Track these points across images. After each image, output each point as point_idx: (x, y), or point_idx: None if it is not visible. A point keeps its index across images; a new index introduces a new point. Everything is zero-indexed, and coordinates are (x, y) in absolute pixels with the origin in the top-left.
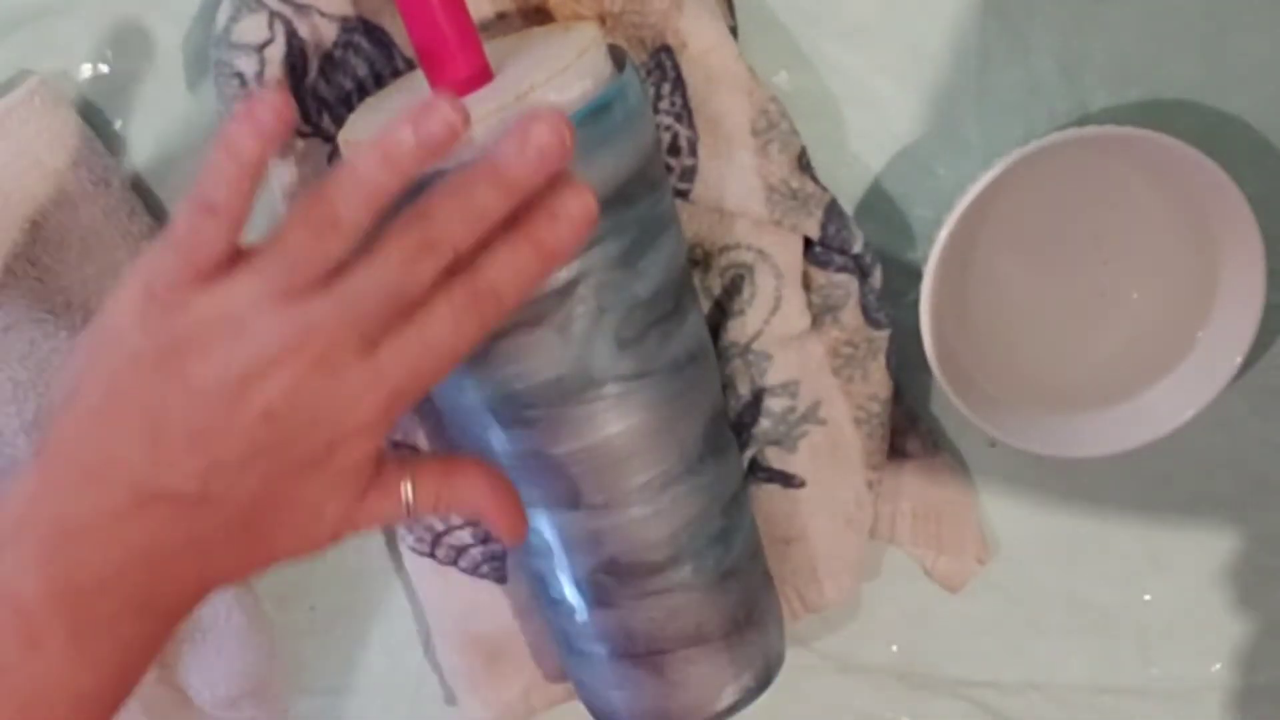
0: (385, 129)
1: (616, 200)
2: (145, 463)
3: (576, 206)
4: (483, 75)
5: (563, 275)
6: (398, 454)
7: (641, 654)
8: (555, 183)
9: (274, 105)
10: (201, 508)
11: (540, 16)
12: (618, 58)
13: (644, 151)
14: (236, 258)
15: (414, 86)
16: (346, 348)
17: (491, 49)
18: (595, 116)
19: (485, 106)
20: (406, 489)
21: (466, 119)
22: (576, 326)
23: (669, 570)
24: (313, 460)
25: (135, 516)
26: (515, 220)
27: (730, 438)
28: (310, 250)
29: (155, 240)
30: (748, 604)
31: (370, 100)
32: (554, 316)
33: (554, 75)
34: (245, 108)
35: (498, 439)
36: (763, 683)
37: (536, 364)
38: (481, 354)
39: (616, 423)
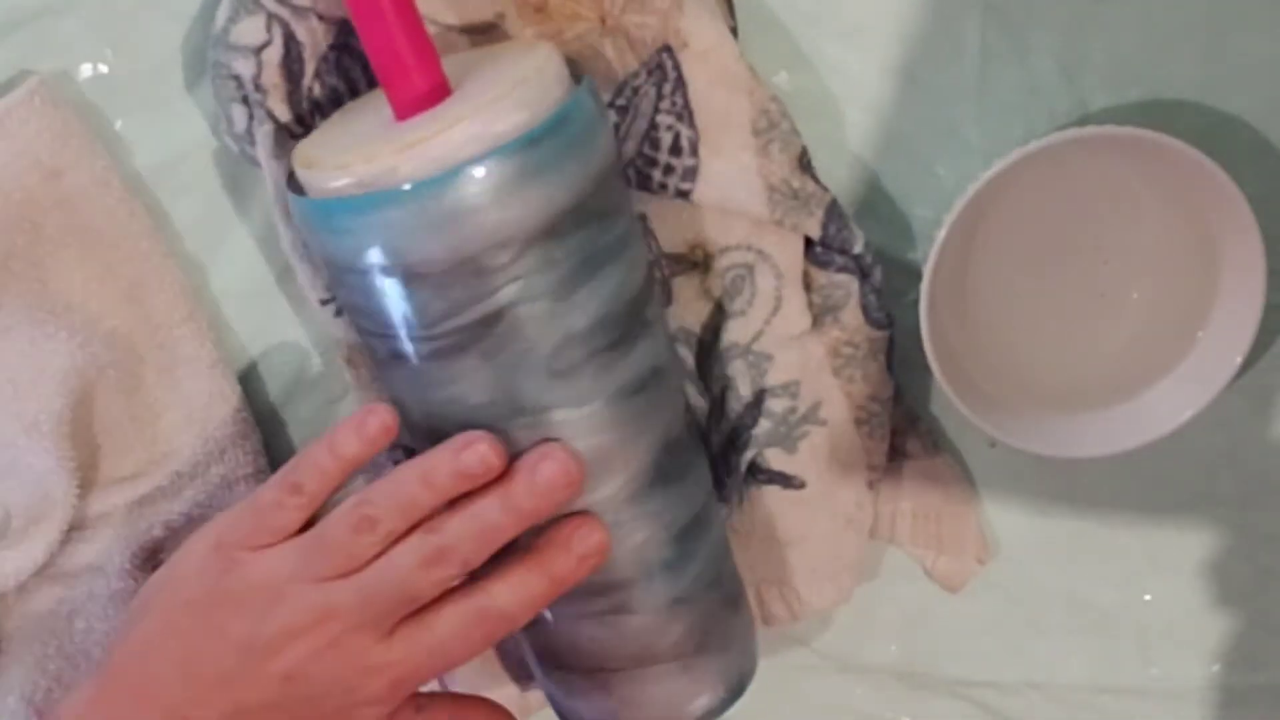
0: (428, 454)
1: (545, 235)
2: (180, 695)
3: (590, 543)
4: (440, 91)
5: (484, 307)
6: (411, 698)
7: (588, 670)
8: (573, 518)
9: (383, 421)
10: None
11: (540, 17)
12: (578, 74)
13: (584, 183)
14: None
15: (376, 103)
16: (361, 632)
17: (451, 65)
18: (529, 147)
19: (443, 121)
20: None
21: (502, 459)
22: (503, 355)
23: (611, 593)
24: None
25: None
26: (531, 548)
27: (691, 464)
28: (345, 545)
29: (242, 501)
30: (702, 630)
31: (335, 117)
32: (480, 344)
33: (499, 98)
34: (359, 418)
35: None
36: (722, 704)
37: (466, 388)
38: (416, 375)
39: None
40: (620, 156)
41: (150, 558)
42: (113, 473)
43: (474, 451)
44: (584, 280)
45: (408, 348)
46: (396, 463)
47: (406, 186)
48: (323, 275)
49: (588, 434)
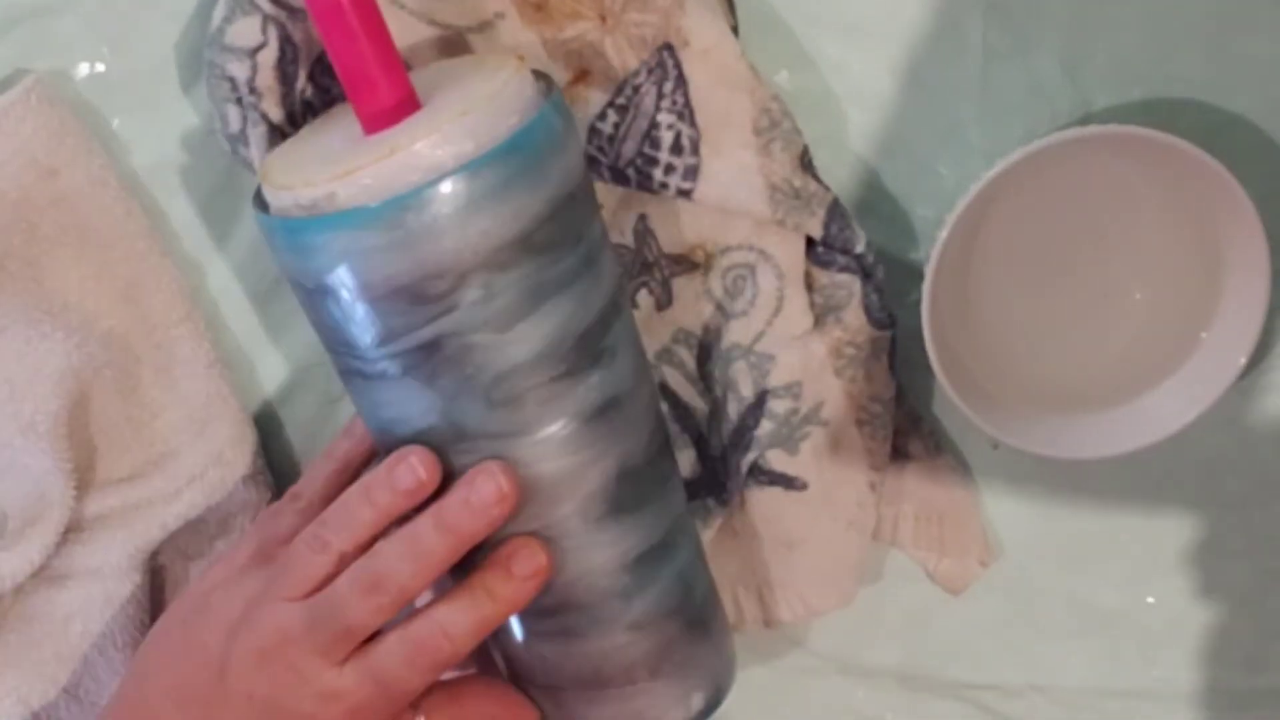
0: (371, 472)
1: (484, 266)
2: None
3: (530, 566)
4: (409, 104)
5: (423, 334)
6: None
7: (543, 686)
8: (513, 540)
9: (365, 427)
10: None
11: (540, 16)
12: (547, 88)
13: (530, 215)
14: None
15: (346, 117)
16: (315, 658)
17: (427, 76)
18: (468, 178)
19: (400, 141)
20: None
21: (434, 472)
22: (442, 382)
23: (561, 615)
24: None
25: None
26: (473, 569)
27: (651, 494)
28: (303, 565)
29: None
30: (658, 656)
31: (313, 124)
32: (420, 370)
33: (444, 124)
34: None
35: None
36: None
37: (409, 411)
38: (365, 393)
39: None
40: (587, 180)
41: (147, 559)
42: (110, 474)
43: (405, 465)
44: (526, 313)
45: (355, 366)
46: None
47: (340, 213)
48: None
49: (531, 462)
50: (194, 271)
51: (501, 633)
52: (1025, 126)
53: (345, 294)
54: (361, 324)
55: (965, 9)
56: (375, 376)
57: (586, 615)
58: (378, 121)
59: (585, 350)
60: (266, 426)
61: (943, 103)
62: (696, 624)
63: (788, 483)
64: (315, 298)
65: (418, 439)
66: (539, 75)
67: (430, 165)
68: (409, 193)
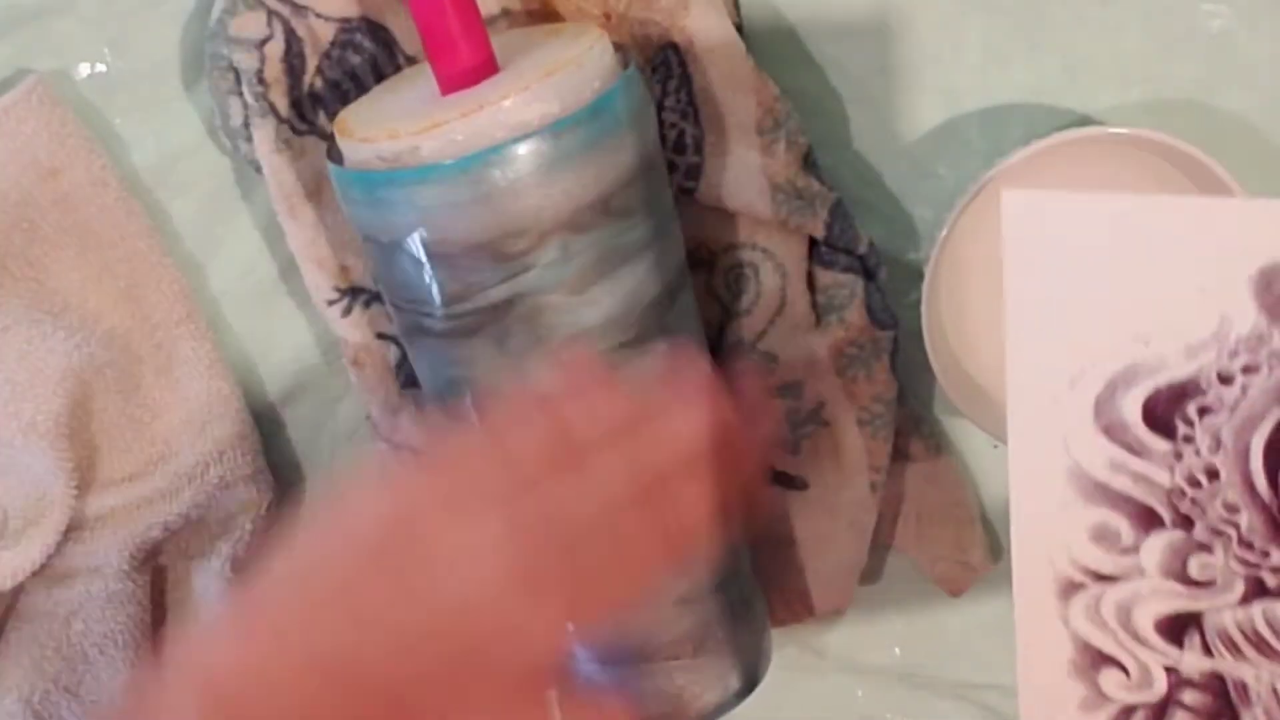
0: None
1: (564, 227)
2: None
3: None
4: (488, 67)
5: (498, 293)
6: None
7: (591, 659)
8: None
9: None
10: None
11: (546, 14)
12: (624, 60)
13: (610, 179)
14: None
15: (419, 79)
16: None
17: (499, 43)
18: (554, 137)
19: (487, 98)
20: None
21: None
22: (512, 342)
23: None
24: None
25: None
26: None
27: None
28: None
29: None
30: (703, 633)
31: (376, 90)
32: (491, 329)
33: (531, 84)
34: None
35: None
36: (720, 706)
37: (475, 370)
38: (432, 349)
39: None
40: (660, 152)
41: (148, 559)
42: (111, 473)
43: None
44: (601, 276)
45: (424, 323)
46: None
47: (424, 166)
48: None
49: None
50: (195, 271)
51: None
52: (1025, 127)
53: (422, 249)
54: (436, 280)
55: (966, 9)
56: (445, 334)
57: None
58: (456, 82)
59: (653, 319)
60: (267, 426)
61: (943, 103)
62: (739, 604)
63: (788, 482)
64: (390, 253)
65: (478, 396)
66: (617, 47)
67: (517, 123)
68: (495, 148)
